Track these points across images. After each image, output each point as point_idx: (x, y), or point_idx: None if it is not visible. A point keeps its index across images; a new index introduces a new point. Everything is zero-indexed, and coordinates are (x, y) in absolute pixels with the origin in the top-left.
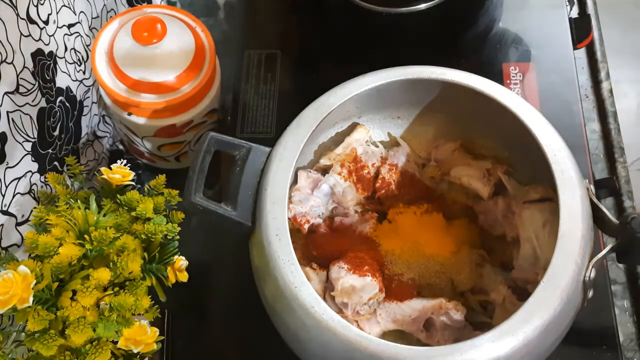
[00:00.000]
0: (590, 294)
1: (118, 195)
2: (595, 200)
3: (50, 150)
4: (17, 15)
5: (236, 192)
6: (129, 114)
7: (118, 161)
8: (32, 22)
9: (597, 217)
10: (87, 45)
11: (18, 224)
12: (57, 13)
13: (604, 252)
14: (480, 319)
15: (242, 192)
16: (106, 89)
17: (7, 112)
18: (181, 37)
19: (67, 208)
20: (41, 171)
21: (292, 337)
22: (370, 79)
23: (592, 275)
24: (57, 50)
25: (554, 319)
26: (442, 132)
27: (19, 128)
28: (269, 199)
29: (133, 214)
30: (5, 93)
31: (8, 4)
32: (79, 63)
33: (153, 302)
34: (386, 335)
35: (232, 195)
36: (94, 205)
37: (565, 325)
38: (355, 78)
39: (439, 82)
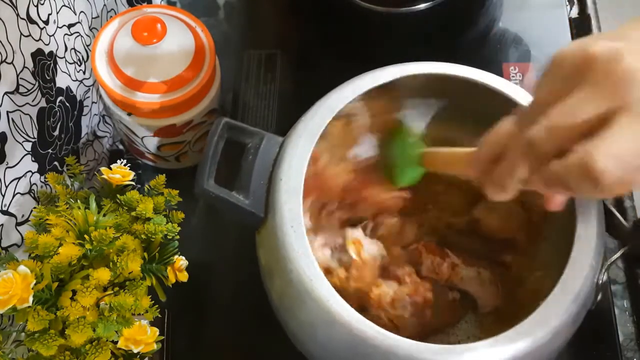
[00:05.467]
0: (599, 297)
1: (118, 195)
2: (608, 204)
3: (50, 150)
4: (17, 15)
5: (248, 182)
6: (129, 114)
7: (118, 161)
8: (32, 22)
9: (608, 221)
10: (87, 45)
11: (18, 224)
12: (57, 13)
13: (616, 255)
14: None
15: (255, 182)
16: (106, 89)
17: (7, 112)
18: (181, 37)
19: (67, 208)
20: (41, 171)
21: (302, 334)
22: (388, 73)
23: (605, 278)
24: (57, 50)
25: (568, 321)
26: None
27: (19, 128)
28: (283, 189)
29: (133, 214)
30: (5, 93)
31: (8, 4)
32: (79, 63)
33: (153, 302)
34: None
35: (244, 185)
36: (94, 205)
37: (575, 328)
38: (369, 72)
39: (449, 80)
